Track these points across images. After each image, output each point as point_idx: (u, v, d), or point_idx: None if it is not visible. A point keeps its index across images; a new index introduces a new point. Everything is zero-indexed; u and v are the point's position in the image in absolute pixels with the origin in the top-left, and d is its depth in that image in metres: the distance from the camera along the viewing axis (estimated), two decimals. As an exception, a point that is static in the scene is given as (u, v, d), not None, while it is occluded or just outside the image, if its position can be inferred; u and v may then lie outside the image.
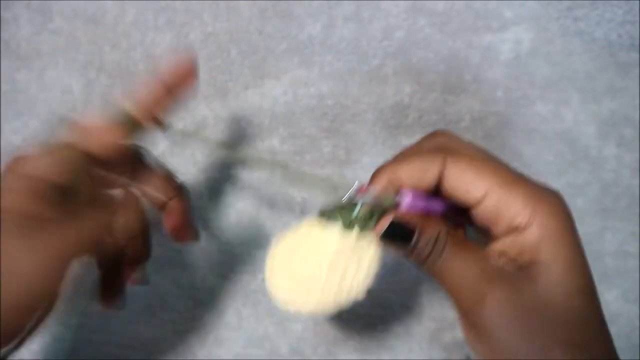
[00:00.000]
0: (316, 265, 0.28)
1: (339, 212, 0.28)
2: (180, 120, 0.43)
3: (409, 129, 0.43)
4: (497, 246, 0.26)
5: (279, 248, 0.30)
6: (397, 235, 0.27)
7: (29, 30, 0.43)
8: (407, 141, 0.43)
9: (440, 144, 0.29)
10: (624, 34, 0.42)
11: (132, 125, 0.30)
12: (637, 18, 0.42)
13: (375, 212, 0.27)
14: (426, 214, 0.27)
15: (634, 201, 0.42)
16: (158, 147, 0.43)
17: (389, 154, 0.42)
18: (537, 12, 0.42)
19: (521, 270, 0.25)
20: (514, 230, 0.25)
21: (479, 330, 0.25)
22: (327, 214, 0.28)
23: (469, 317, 0.26)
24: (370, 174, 0.43)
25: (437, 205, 0.28)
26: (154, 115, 0.31)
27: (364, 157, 0.43)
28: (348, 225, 0.28)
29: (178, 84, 0.30)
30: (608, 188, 0.42)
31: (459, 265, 0.26)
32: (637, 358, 0.41)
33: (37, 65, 0.43)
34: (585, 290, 0.25)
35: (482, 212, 0.26)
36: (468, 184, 0.26)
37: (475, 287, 0.25)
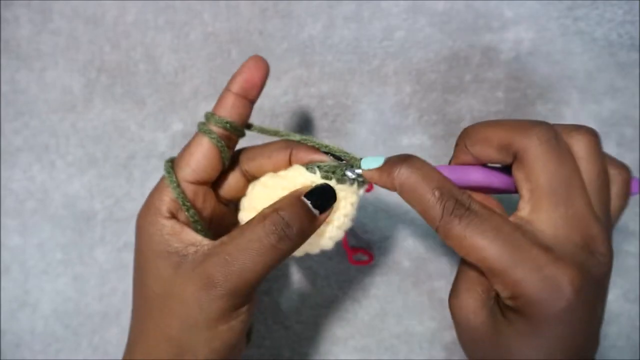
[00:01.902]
0: None
1: (318, 166, 0.30)
2: (181, 120, 0.43)
3: (409, 129, 0.43)
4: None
5: (256, 184, 0.31)
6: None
7: (29, 30, 0.43)
8: (408, 141, 0.43)
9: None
10: (624, 33, 0.42)
11: (231, 137, 0.31)
12: (637, 18, 0.42)
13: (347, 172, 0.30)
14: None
15: (634, 201, 0.42)
16: (159, 146, 0.43)
17: (389, 154, 0.42)
18: (537, 11, 0.42)
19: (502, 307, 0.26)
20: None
21: (452, 315, 0.28)
22: (309, 167, 0.30)
23: (452, 298, 0.28)
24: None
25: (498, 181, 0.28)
26: (247, 122, 0.32)
27: (364, 157, 0.42)
28: (325, 175, 0.30)
29: (254, 88, 0.31)
30: (608, 188, 0.42)
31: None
32: (637, 358, 0.41)
33: (37, 65, 0.43)
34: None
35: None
36: (472, 245, 0.25)
37: (468, 278, 0.27)
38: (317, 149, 0.30)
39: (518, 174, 0.26)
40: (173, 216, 0.30)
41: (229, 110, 0.30)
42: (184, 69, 0.43)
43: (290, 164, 0.31)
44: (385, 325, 0.42)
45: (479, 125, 0.28)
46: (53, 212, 0.43)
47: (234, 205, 0.33)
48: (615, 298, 0.42)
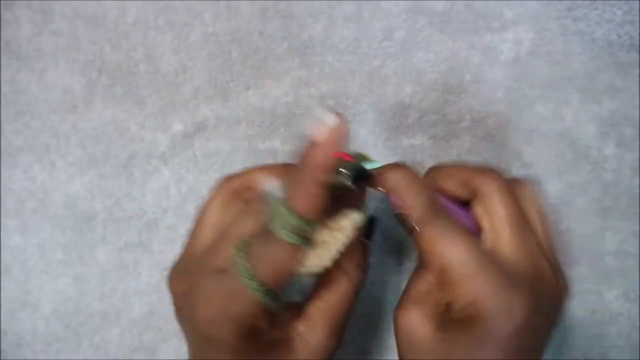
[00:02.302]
0: None
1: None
2: (181, 121, 0.43)
3: (409, 129, 0.43)
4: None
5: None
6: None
7: (30, 30, 0.43)
8: (408, 141, 0.43)
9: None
10: (624, 34, 0.42)
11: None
12: (637, 18, 0.42)
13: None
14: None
15: (634, 201, 0.42)
16: (159, 147, 0.43)
17: (389, 154, 0.43)
18: (537, 12, 0.42)
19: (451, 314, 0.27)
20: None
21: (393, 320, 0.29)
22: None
23: (397, 307, 0.29)
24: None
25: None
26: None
27: (364, 157, 0.43)
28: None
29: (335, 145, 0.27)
30: (608, 188, 0.42)
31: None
32: (637, 358, 0.41)
33: (37, 65, 0.43)
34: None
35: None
36: (431, 252, 0.28)
37: (415, 292, 0.29)
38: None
39: (478, 208, 0.29)
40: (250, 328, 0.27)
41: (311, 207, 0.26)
42: (185, 70, 0.43)
43: None
44: (385, 325, 0.42)
45: (444, 163, 0.32)
46: (53, 212, 0.43)
47: None
48: (615, 298, 0.42)
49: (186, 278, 0.28)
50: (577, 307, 0.41)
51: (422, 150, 0.43)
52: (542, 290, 0.26)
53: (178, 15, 0.43)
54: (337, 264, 0.28)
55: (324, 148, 0.25)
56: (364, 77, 0.43)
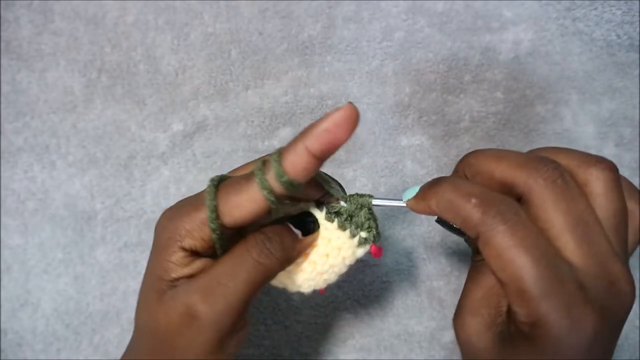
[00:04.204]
0: None
1: (326, 205, 0.29)
2: (181, 121, 0.43)
3: (408, 129, 0.43)
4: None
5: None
6: (447, 225, 0.28)
7: (30, 30, 0.43)
8: (407, 141, 0.43)
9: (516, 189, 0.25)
10: (623, 34, 0.42)
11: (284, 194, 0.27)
12: (636, 18, 0.42)
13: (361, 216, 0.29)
14: None
15: (633, 201, 0.42)
16: (159, 147, 0.43)
17: (389, 154, 0.43)
18: (536, 12, 0.42)
19: (516, 325, 0.25)
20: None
21: (456, 333, 0.27)
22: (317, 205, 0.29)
23: (456, 319, 0.27)
24: (370, 174, 0.43)
25: None
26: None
27: (364, 157, 0.43)
28: (330, 216, 0.29)
29: (334, 150, 0.25)
30: (607, 188, 0.42)
31: (482, 276, 0.27)
32: (637, 358, 0.41)
33: (38, 65, 0.43)
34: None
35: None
36: (491, 266, 0.24)
37: (475, 301, 0.27)
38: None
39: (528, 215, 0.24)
40: (192, 252, 0.27)
41: (300, 173, 0.25)
42: (184, 70, 0.43)
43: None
44: (384, 325, 0.43)
45: (482, 156, 0.26)
46: (54, 212, 0.43)
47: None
48: (614, 298, 0.42)
49: None
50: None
51: (421, 150, 0.43)
52: (616, 299, 0.24)
53: (178, 15, 0.43)
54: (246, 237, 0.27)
55: (330, 125, 0.24)
56: (363, 77, 0.43)
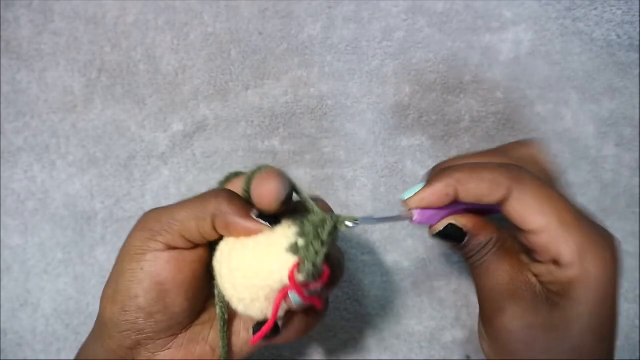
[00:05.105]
0: (260, 263, 0.27)
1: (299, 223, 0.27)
2: (181, 121, 0.43)
3: (409, 130, 0.43)
4: (535, 268, 0.27)
5: (230, 243, 0.29)
6: (451, 234, 0.29)
7: (30, 30, 0.43)
8: (407, 142, 0.43)
9: (514, 160, 0.29)
10: (623, 34, 0.42)
11: None
12: (636, 18, 0.42)
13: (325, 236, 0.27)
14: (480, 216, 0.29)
15: (633, 201, 0.42)
16: (159, 147, 0.43)
17: (389, 154, 0.43)
18: (536, 12, 0.42)
19: (548, 295, 0.26)
20: (556, 263, 0.26)
21: (492, 338, 0.28)
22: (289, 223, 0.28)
23: (487, 324, 0.28)
24: (370, 174, 0.43)
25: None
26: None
27: (364, 157, 0.43)
28: (296, 223, 0.27)
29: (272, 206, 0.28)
30: (607, 188, 0.42)
31: (493, 273, 0.28)
32: (637, 357, 0.41)
33: (38, 65, 0.43)
34: (604, 338, 0.26)
35: (532, 240, 0.27)
36: (528, 216, 0.27)
37: (498, 297, 0.27)
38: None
39: (512, 209, 0.27)
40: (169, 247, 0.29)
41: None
42: (184, 70, 0.43)
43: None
44: (384, 325, 0.43)
45: (461, 165, 0.29)
46: (54, 212, 0.43)
47: None
48: (615, 298, 0.42)
49: None
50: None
51: (421, 150, 0.43)
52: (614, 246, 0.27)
53: (178, 15, 0.43)
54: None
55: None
56: (363, 77, 0.43)
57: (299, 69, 0.43)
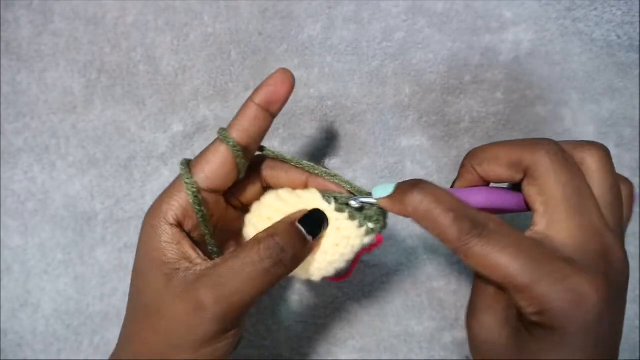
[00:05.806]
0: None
1: (335, 197, 0.30)
2: (181, 121, 0.43)
3: (408, 130, 0.43)
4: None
5: (270, 194, 0.31)
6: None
7: (30, 31, 0.43)
8: (407, 142, 0.43)
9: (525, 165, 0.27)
10: (623, 34, 0.42)
11: (249, 148, 0.30)
12: (636, 19, 0.42)
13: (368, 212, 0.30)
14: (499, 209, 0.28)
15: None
16: (159, 147, 0.43)
17: (388, 154, 0.43)
18: (536, 12, 0.42)
19: (527, 326, 0.25)
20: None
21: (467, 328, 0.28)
22: (325, 195, 0.30)
23: (467, 315, 0.28)
24: (370, 174, 0.43)
25: (511, 201, 0.29)
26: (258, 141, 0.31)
27: (364, 157, 0.43)
28: (340, 207, 0.29)
29: (277, 103, 0.30)
30: (607, 188, 0.42)
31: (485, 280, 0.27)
32: (637, 358, 0.41)
33: (37, 66, 0.43)
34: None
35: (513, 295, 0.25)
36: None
37: (481, 297, 0.27)
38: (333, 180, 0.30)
39: (530, 189, 0.26)
40: (178, 224, 0.29)
41: (251, 121, 0.30)
42: (184, 70, 0.43)
43: (306, 185, 0.31)
44: (384, 326, 0.43)
45: (486, 145, 0.28)
46: (54, 213, 0.43)
47: (244, 210, 0.33)
48: (614, 298, 0.42)
49: None
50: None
51: (421, 151, 0.43)
52: (611, 267, 0.24)
53: (178, 16, 0.43)
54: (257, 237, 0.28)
55: (271, 82, 0.30)
56: (363, 77, 0.43)
57: (299, 69, 0.43)
